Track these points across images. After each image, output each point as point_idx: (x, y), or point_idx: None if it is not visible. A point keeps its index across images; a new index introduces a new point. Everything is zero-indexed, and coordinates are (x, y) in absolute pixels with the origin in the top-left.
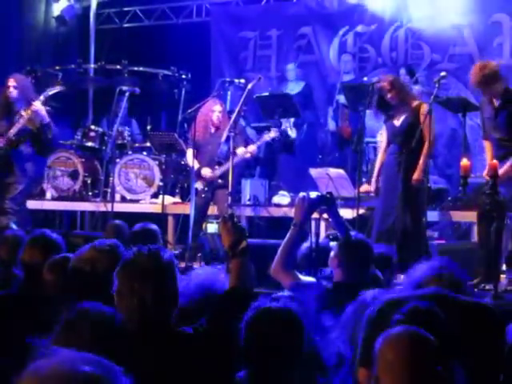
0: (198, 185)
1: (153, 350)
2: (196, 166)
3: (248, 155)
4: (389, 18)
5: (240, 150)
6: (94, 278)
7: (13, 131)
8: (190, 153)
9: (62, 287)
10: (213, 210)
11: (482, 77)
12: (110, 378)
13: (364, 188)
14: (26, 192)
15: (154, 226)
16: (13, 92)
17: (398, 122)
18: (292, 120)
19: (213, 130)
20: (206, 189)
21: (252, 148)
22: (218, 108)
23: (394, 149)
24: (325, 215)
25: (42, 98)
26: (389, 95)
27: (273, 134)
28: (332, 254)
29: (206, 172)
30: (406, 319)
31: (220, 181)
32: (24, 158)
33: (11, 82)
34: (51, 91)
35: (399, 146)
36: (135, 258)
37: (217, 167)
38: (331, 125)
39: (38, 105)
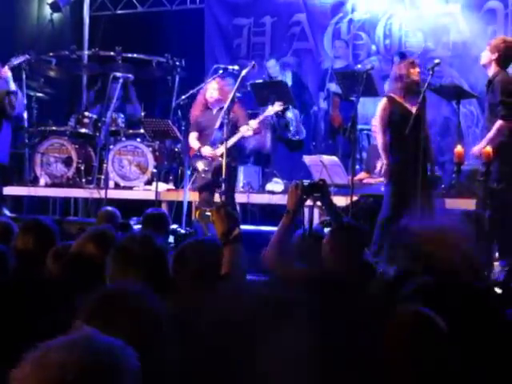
0: (199, 165)
1: None
2: (198, 145)
3: (250, 132)
4: (383, 5)
5: (243, 128)
6: (92, 264)
7: None
8: (191, 136)
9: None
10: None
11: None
12: (120, 361)
13: (362, 175)
14: None
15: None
16: None
17: None
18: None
19: (214, 111)
20: (206, 169)
21: (253, 123)
22: (212, 86)
23: None
24: (318, 202)
25: (6, 68)
26: None
27: (277, 107)
28: (324, 240)
29: (207, 150)
30: (415, 294)
31: (221, 159)
32: None
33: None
34: (17, 60)
35: None
36: (127, 243)
37: (219, 145)
38: (322, 111)
39: (6, 71)
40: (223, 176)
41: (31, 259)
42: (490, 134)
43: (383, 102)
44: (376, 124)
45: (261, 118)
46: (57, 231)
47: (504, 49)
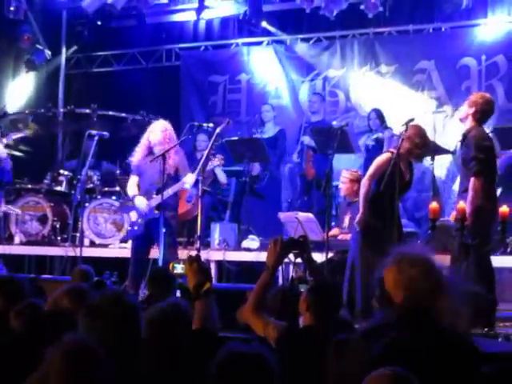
0: (133, 215)
1: None
2: (133, 193)
3: (187, 185)
4: (358, 62)
5: (187, 179)
6: (65, 321)
7: None
8: (131, 180)
9: (31, 332)
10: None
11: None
12: None
13: (334, 232)
14: None
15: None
16: None
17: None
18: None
19: (156, 151)
20: (139, 220)
21: (190, 178)
22: (157, 127)
23: None
24: (298, 259)
25: (4, 141)
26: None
27: (216, 161)
28: (301, 297)
29: (140, 202)
30: (386, 352)
31: (156, 212)
32: None
33: None
34: (15, 135)
35: None
36: (99, 301)
37: (154, 196)
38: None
39: None
40: (163, 229)
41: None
42: (469, 197)
43: (387, 156)
44: (368, 172)
45: (196, 172)
46: (25, 288)
47: (481, 104)
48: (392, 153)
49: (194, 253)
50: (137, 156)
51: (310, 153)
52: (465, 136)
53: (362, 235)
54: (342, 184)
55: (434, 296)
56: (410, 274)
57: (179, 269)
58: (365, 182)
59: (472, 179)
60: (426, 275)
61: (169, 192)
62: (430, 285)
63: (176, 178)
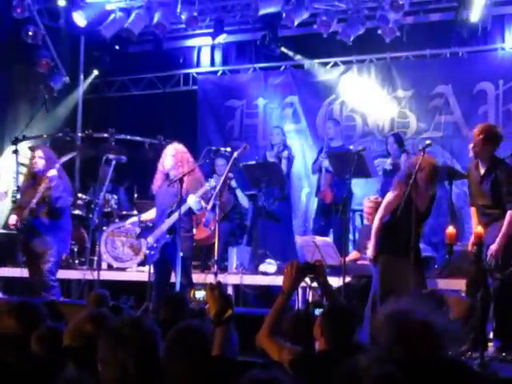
0: (150, 240)
1: None
2: (149, 217)
3: (193, 206)
4: (375, 86)
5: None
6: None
7: (34, 200)
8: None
9: (52, 357)
10: (199, 277)
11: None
12: None
13: (353, 256)
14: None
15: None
16: (38, 163)
17: None
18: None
19: (171, 175)
20: (155, 245)
21: (190, 198)
22: (168, 152)
23: None
24: (314, 283)
25: (57, 165)
26: None
27: (212, 183)
28: (316, 323)
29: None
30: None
31: (168, 236)
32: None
33: (38, 153)
34: (65, 158)
35: None
36: (118, 326)
37: (166, 220)
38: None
39: (53, 172)
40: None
41: (15, 342)
42: (504, 229)
43: (393, 195)
44: (378, 213)
45: (199, 193)
46: (43, 313)
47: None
48: (400, 189)
49: (211, 277)
50: (155, 183)
51: (328, 177)
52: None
53: (379, 269)
54: (367, 214)
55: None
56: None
57: (199, 295)
58: (376, 222)
59: (509, 213)
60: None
61: (175, 216)
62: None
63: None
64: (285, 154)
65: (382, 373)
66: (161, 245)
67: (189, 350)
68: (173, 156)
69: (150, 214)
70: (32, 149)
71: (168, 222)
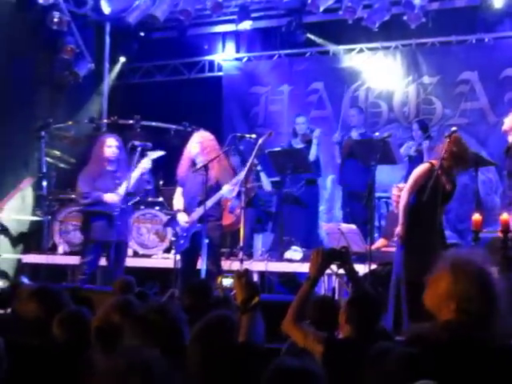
0: (178, 229)
1: None
2: (177, 207)
3: (227, 195)
4: (400, 73)
5: (225, 188)
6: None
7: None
8: (177, 192)
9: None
10: (224, 264)
11: None
12: None
13: (380, 243)
14: None
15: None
16: (115, 152)
17: None
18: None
19: (198, 164)
20: (184, 234)
21: (225, 188)
22: (195, 139)
23: None
24: (340, 270)
25: (149, 161)
26: None
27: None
28: (341, 309)
29: (181, 218)
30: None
31: (199, 224)
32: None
33: (114, 142)
34: (155, 155)
35: None
36: (144, 312)
37: (196, 209)
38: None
39: (146, 164)
40: (205, 241)
41: (38, 326)
42: None
43: (425, 167)
44: (407, 185)
45: (233, 181)
46: (65, 297)
47: None
48: (432, 164)
49: (236, 263)
50: (181, 168)
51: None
52: (509, 148)
53: (405, 248)
54: (395, 202)
55: (488, 312)
56: (467, 287)
57: (227, 282)
58: (404, 194)
59: None
60: (483, 291)
61: (207, 204)
62: (486, 302)
63: (217, 188)
64: (316, 132)
65: (406, 353)
66: (191, 233)
67: (214, 340)
68: (199, 143)
69: (178, 203)
70: (108, 136)
71: (198, 212)
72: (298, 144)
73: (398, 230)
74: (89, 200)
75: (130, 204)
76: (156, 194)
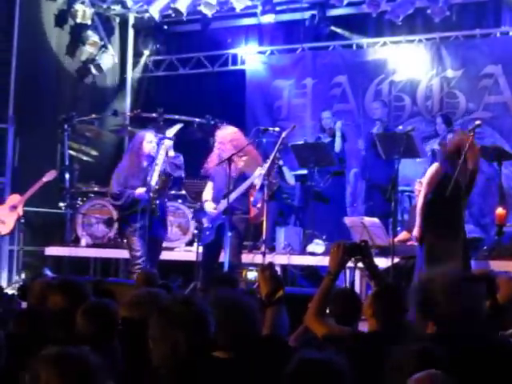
0: (205, 221)
1: None
2: (205, 198)
3: (256, 181)
4: (424, 66)
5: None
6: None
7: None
8: (207, 187)
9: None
10: (247, 257)
11: None
12: None
13: (403, 236)
14: None
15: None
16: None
17: None
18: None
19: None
20: (210, 225)
21: (258, 171)
22: (217, 138)
23: None
24: (360, 264)
25: (172, 137)
26: None
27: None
28: (366, 303)
29: (209, 207)
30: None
31: (224, 216)
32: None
33: (153, 138)
34: (173, 130)
35: None
36: (169, 304)
37: (222, 201)
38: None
39: (168, 142)
40: (228, 233)
41: (61, 318)
42: None
43: (436, 167)
44: (422, 187)
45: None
46: (86, 290)
47: None
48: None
49: (259, 257)
50: (210, 163)
51: None
52: None
53: (425, 248)
54: (417, 196)
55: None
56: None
57: (251, 275)
58: (420, 197)
59: None
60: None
61: (233, 196)
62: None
63: (242, 180)
64: (338, 124)
65: (420, 348)
66: (216, 225)
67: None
68: (230, 141)
69: (206, 195)
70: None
71: (223, 203)
72: (326, 139)
73: (415, 232)
74: (120, 202)
75: (161, 198)
76: (178, 186)
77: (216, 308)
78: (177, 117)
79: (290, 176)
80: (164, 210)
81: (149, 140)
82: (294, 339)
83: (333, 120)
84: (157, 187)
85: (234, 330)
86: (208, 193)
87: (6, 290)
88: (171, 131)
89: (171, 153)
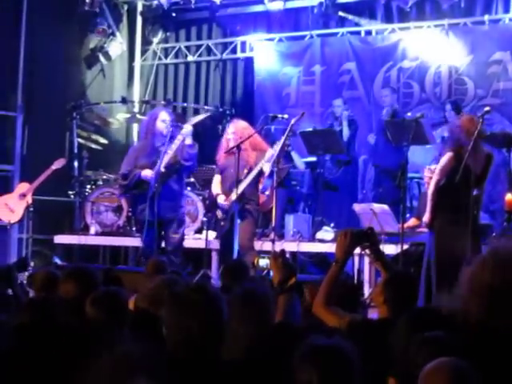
0: (218, 213)
1: (198, 382)
2: (216, 191)
3: (265, 168)
4: (432, 53)
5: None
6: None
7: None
8: (215, 179)
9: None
10: (256, 244)
11: None
12: None
13: (412, 222)
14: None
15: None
16: (169, 127)
17: None
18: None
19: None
20: (224, 216)
21: (268, 153)
22: (230, 129)
23: None
24: (367, 251)
25: (190, 127)
26: None
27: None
28: (377, 290)
29: (221, 200)
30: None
31: (236, 205)
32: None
33: (167, 116)
34: (197, 119)
35: None
36: (182, 291)
37: (234, 190)
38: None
39: (187, 129)
40: (238, 221)
41: (73, 306)
42: None
43: (450, 155)
44: (435, 174)
45: (266, 158)
46: (97, 277)
47: None
48: (454, 151)
49: (268, 244)
50: (218, 156)
51: None
52: None
53: (434, 233)
54: (427, 184)
55: None
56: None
57: (263, 263)
58: (432, 186)
59: None
60: None
61: (242, 185)
62: None
63: (251, 170)
64: (345, 114)
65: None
66: (229, 215)
67: (251, 311)
68: (233, 133)
69: (216, 188)
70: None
71: (235, 192)
72: (339, 127)
73: (426, 217)
74: (126, 182)
75: (169, 183)
76: (188, 175)
77: (241, 303)
78: (185, 104)
79: (299, 161)
80: (174, 196)
81: (162, 118)
82: None
83: (344, 108)
84: (163, 170)
85: (258, 321)
86: (217, 186)
87: None
88: (195, 119)
89: (188, 140)
